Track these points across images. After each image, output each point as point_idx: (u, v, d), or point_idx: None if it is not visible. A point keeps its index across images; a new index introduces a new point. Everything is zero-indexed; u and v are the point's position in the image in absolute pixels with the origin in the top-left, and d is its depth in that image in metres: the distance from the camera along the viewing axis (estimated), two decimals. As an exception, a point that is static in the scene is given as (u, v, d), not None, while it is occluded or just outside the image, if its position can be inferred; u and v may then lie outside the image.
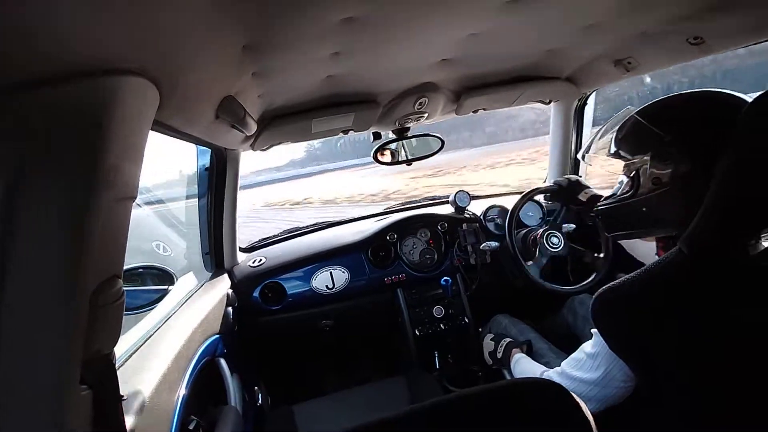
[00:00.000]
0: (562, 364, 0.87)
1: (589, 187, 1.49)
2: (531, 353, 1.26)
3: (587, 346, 0.81)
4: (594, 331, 0.78)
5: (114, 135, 0.48)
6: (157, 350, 0.98)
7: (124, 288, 0.58)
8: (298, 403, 1.42)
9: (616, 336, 0.72)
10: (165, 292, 1.21)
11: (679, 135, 0.72)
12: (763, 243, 0.65)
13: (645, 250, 1.29)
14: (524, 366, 1.12)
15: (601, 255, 1.56)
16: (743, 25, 1.02)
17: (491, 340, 1.39)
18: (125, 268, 0.60)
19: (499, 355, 1.30)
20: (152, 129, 0.63)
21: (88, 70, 0.43)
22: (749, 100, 0.65)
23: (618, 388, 0.76)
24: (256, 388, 1.58)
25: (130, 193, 0.56)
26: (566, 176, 1.58)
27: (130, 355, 0.94)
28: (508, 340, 1.32)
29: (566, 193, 1.54)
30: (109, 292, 0.53)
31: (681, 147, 0.71)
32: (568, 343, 1.28)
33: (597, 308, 0.74)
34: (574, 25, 1.01)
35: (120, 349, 0.94)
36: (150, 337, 1.04)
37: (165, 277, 1.24)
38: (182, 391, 0.96)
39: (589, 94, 1.80)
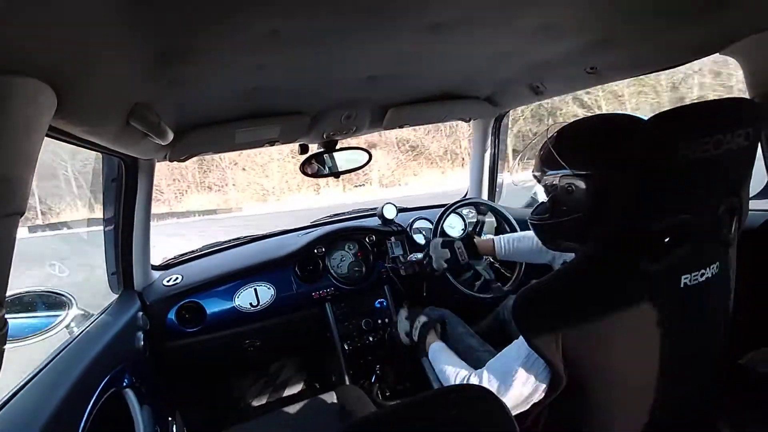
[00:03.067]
0: (487, 364, 0.92)
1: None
2: (445, 332, 1.31)
3: (512, 344, 0.86)
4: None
5: (0, 142, 0.42)
6: (48, 387, 0.86)
7: (8, 316, 0.51)
8: (220, 430, 1.33)
9: (533, 333, 0.77)
10: (60, 319, 1.07)
11: (582, 167, 0.78)
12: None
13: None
14: (444, 362, 1.11)
15: (505, 286, 1.66)
16: (627, 60, 1.19)
17: (405, 318, 1.42)
18: (10, 293, 0.52)
19: (415, 337, 1.32)
20: (48, 136, 0.56)
21: None
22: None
23: (536, 383, 0.81)
24: (170, 419, 1.45)
25: (17, 207, 0.49)
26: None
27: (14, 395, 0.81)
28: (424, 319, 1.34)
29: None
30: None
31: (585, 177, 0.78)
32: (502, 338, 1.36)
33: (516, 307, 0.80)
34: (488, 51, 1.10)
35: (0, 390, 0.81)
36: (40, 371, 0.91)
37: (60, 302, 1.10)
38: (81, 430, 0.85)
39: (506, 113, 1.96)
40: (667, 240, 0.72)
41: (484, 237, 1.67)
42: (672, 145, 0.65)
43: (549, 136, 0.87)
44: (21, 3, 0.38)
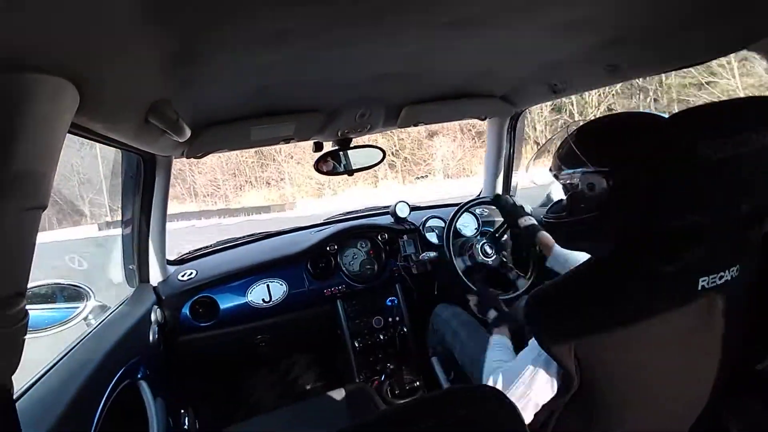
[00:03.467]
0: (503, 365, 0.91)
1: (529, 214, 1.60)
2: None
3: (526, 347, 0.85)
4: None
5: (22, 138, 0.43)
6: (66, 377, 0.88)
7: (29, 307, 0.52)
8: (230, 424, 1.35)
9: (546, 333, 0.76)
10: (78, 311, 1.09)
11: (602, 164, 0.76)
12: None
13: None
14: (491, 353, 1.08)
15: (526, 276, 1.67)
16: (648, 57, 1.16)
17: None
18: (31, 285, 0.54)
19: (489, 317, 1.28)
20: (71, 132, 0.57)
21: None
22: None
23: (548, 384, 0.80)
24: (183, 411, 1.47)
25: (40, 201, 0.50)
26: (509, 197, 1.68)
27: (33, 384, 0.83)
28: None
29: (508, 214, 1.64)
30: (9, 312, 0.47)
31: (606, 175, 0.76)
32: (518, 340, 1.35)
33: (528, 308, 0.79)
34: (504, 49, 1.09)
35: (20, 379, 0.83)
36: (58, 362, 0.93)
37: (78, 295, 1.12)
38: (96, 420, 0.87)
39: (522, 112, 1.93)
40: (685, 241, 0.70)
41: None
42: (692, 144, 0.64)
43: (569, 133, 0.85)
44: (46, 4, 0.39)
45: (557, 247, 1.41)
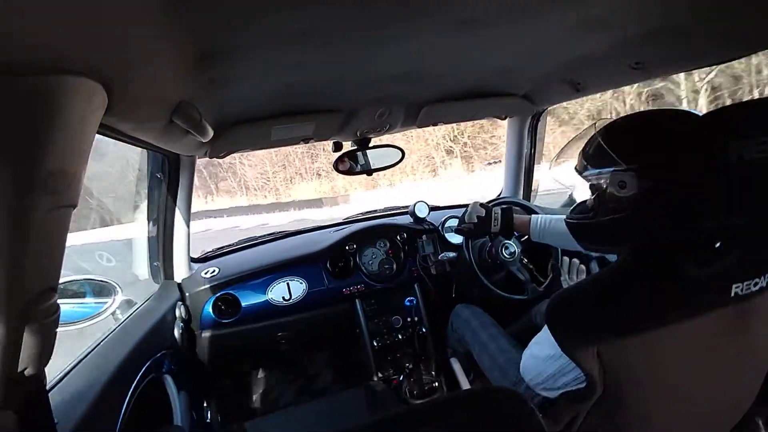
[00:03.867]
0: (523, 363, 0.90)
1: (491, 213, 1.52)
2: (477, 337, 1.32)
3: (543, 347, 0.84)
4: (545, 331, 0.81)
5: (55, 138, 0.45)
6: (95, 369, 0.91)
7: (60, 302, 0.54)
8: (251, 419, 1.37)
9: (568, 338, 0.75)
10: (107, 306, 1.13)
11: (634, 163, 0.74)
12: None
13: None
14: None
15: (540, 288, 1.62)
16: (678, 53, 1.12)
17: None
18: (63, 280, 0.56)
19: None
20: (99, 133, 0.59)
21: (27, 67, 0.40)
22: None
23: (566, 387, 0.79)
24: (205, 405, 1.51)
25: (70, 200, 0.52)
26: (467, 217, 1.56)
27: (65, 375, 0.86)
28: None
29: (480, 229, 1.54)
30: (42, 306, 0.49)
31: (637, 173, 0.73)
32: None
33: (550, 310, 0.78)
34: (525, 47, 1.07)
35: (53, 369, 0.87)
36: (88, 354, 0.96)
37: (106, 290, 1.16)
38: (123, 412, 0.90)
39: (543, 111, 1.90)
40: (717, 245, 0.67)
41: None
42: (724, 144, 0.61)
43: (597, 130, 0.83)
44: (75, 7, 0.40)
45: (533, 224, 1.42)
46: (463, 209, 1.60)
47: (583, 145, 0.85)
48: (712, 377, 0.74)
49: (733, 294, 0.69)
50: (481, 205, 1.53)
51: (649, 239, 0.72)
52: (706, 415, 0.78)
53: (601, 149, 0.79)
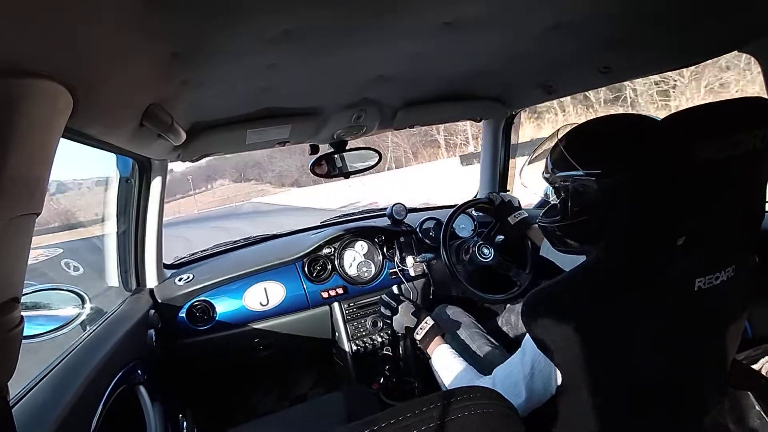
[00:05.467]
0: (494, 370, 0.91)
1: (520, 209, 1.62)
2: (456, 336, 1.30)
3: (519, 349, 0.85)
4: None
5: (17, 143, 0.43)
6: (62, 382, 0.87)
7: (24, 313, 0.52)
8: (229, 428, 1.34)
9: (542, 335, 0.76)
10: (74, 316, 1.09)
11: (594, 168, 0.77)
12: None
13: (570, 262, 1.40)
14: (451, 367, 1.06)
15: (526, 271, 1.67)
16: (644, 58, 1.17)
17: (411, 314, 1.26)
18: (26, 290, 0.53)
19: (418, 336, 1.21)
20: (65, 137, 0.57)
21: None
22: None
23: (544, 387, 0.80)
24: (181, 416, 1.46)
25: (34, 207, 0.50)
26: (501, 194, 1.68)
27: (29, 390, 0.83)
28: (431, 322, 1.21)
29: (499, 212, 1.65)
30: (4, 318, 0.47)
31: (598, 178, 0.76)
32: (511, 341, 1.34)
33: (525, 310, 0.80)
34: (501, 50, 1.09)
35: (15, 385, 0.83)
36: (55, 367, 0.92)
37: (74, 300, 1.11)
38: (94, 426, 0.86)
39: (516, 113, 1.94)
40: (680, 242, 0.70)
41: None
42: (687, 145, 0.64)
43: (560, 136, 0.86)
44: (37, 7, 0.39)
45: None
46: (440, 211, 1.62)
47: (549, 151, 0.89)
48: (677, 372, 0.78)
49: (696, 288, 0.73)
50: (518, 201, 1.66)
51: (616, 239, 0.75)
52: (671, 408, 0.81)
53: (563, 156, 0.82)
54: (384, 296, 1.38)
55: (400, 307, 1.30)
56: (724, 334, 0.81)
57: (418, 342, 1.22)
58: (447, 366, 1.08)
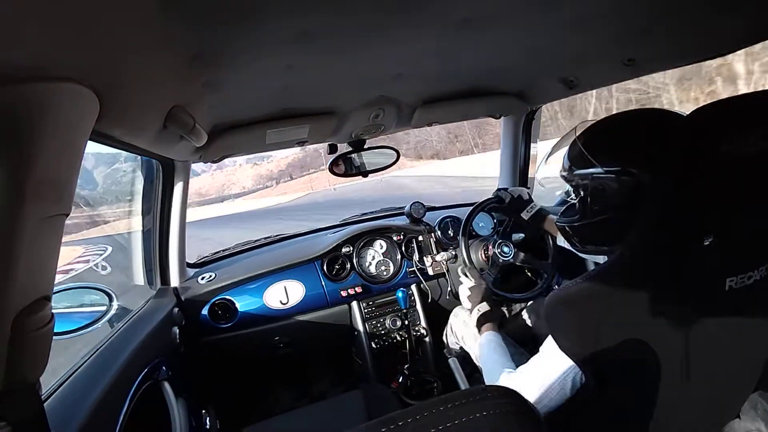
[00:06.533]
0: (518, 369, 0.90)
1: (532, 202, 1.57)
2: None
3: (543, 347, 0.84)
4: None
5: (46, 146, 0.44)
6: (91, 378, 0.90)
7: (55, 311, 0.53)
8: (250, 424, 1.36)
9: (565, 336, 0.75)
10: (102, 314, 1.12)
11: (613, 165, 0.75)
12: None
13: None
14: (492, 354, 1.11)
15: (548, 260, 1.64)
16: (669, 50, 1.13)
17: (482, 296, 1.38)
18: (57, 288, 0.55)
19: (473, 319, 1.32)
20: (92, 140, 0.59)
21: (16, 74, 0.40)
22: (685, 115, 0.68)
23: (565, 387, 0.78)
24: (204, 411, 1.50)
25: (63, 208, 0.51)
26: (510, 190, 1.64)
27: (60, 385, 0.85)
28: (486, 307, 1.33)
29: (511, 208, 1.62)
30: (35, 316, 0.48)
31: (617, 175, 0.74)
32: (530, 342, 1.32)
33: (548, 310, 0.78)
34: (521, 45, 1.07)
35: (48, 379, 0.86)
36: (84, 363, 0.95)
37: (102, 297, 1.15)
38: (121, 420, 0.89)
39: (537, 109, 1.90)
40: (707, 242, 0.67)
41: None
42: (715, 140, 0.61)
43: (578, 133, 0.83)
44: (64, 13, 0.40)
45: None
46: (460, 209, 1.60)
47: (567, 148, 0.86)
48: (707, 374, 0.75)
49: (727, 288, 0.69)
50: (528, 193, 1.60)
51: (640, 238, 0.72)
52: (700, 409, 0.78)
53: (582, 154, 0.80)
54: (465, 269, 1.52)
55: (476, 284, 1.41)
56: (758, 336, 0.77)
57: (475, 318, 1.31)
58: (489, 353, 1.13)
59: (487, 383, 1.04)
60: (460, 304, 1.63)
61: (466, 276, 1.48)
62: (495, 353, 1.11)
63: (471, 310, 1.35)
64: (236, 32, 0.68)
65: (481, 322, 1.27)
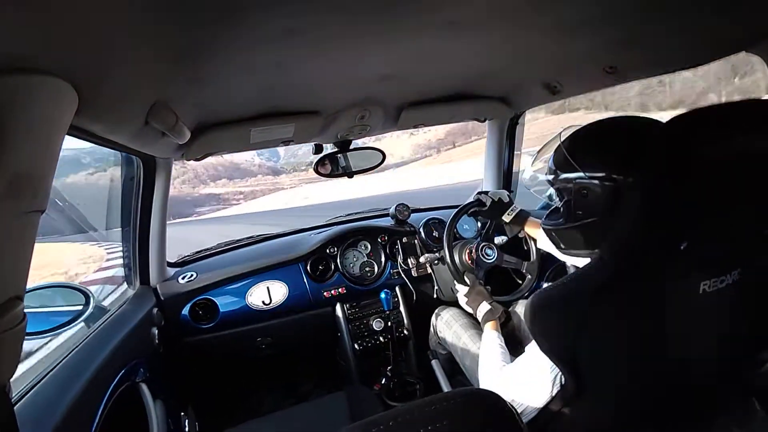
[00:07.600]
0: (503, 369, 0.91)
1: (512, 203, 1.58)
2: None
3: (527, 347, 0.86)
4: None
5: (21, 140, 0.43)
6: (65, 380, 0.87)
7: (28, 311, 0.52)
8: (231, 426, 1.34)
9: (546, 337, 0.76)
10: (78, 314, 1.09)
11: (595, 171, 0.77)
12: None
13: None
14: (489, 350, 1.13)
15: (531, 260, 1.65)
16: (649, 58, 1.16)
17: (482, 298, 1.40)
18: (30, 287, 0.53)
19: (478, 312, 1.33)
20: (69, 134, 0.57)
21: None
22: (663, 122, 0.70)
23: (547, 388, 0.80)
24: (183, 414, 1.47)
25: (38, 205, 0.50)
26: (491, 193, 1.63)
27: (32, 388, 0.83)
28: (498, 306, 1.34)
29: (492, 212, 1.61)
30: (6, 316, 0.47)
31: (600, 181, 0.76)
32: (513, 344, 1.34)
33: (529, 312, 0.79)
34: (505, 49, 1.08)
35: (18, 382, 0.83)
36: (58, 365, 0.92)
37: (78, 297, 1.12)
38: (96, 423, 0.86)
39: (521, 114, 1.93)
40: (685, 245, 0.70)
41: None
42: (692, 147, 0.63)
43: (562, 138, 0.85)
44: (41, 4, 0.38)
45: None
46: (444, 210, 1.61)
47: (551, 153, 0.88)
48: (681, 374, 0.77)
49: (701, 291, 0.72)
50: (508, 195, 1.60)
51: (619, 242, 0.74)
52: (673, 410, 0.80)
53: (565, 159, 0.82)
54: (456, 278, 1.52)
55: (471, 288, 1.43)
56: (736, 337, 0.80)
57: (480, 319, 1.33)
58: (488, 349, 1.14)
59: (481, 376, 1.07)
60: (444, 305, 1.64)
61: (461, 284, 1.48)
62: (493, 350, 1.13)
63: (475, 314, 1.36)
64: (220, 29, 0.67)
65: (486, 320, 1.29)
